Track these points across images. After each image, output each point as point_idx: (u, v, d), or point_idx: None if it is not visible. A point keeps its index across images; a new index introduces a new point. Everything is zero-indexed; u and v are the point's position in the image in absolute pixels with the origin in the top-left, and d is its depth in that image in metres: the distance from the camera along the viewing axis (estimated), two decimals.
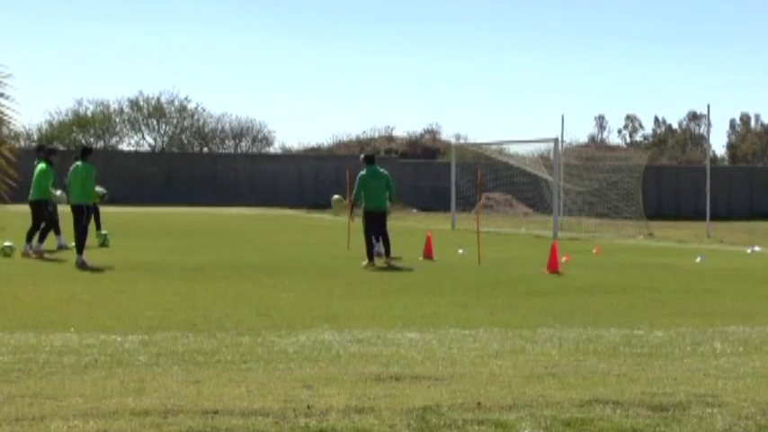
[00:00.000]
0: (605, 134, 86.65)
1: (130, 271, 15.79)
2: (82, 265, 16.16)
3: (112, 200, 18.68)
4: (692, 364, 8.27)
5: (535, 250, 22.24)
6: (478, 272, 16.92)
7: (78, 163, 17.25)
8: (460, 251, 21.19)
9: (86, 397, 6.42)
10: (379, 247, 18.36)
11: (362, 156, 19.15)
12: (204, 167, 51.89)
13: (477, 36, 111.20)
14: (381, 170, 18.51)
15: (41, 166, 18.62)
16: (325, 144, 64.63)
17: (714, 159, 72.37)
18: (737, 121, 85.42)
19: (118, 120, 61.36)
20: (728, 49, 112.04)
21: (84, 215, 16.89)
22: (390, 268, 17.34)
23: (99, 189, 18.04)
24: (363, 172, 18.27)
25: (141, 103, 61.37)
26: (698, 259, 20.37)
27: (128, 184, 48.61)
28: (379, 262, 17.84)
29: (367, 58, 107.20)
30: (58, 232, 19.94)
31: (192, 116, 62.76)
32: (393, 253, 18.20)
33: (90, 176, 17.06)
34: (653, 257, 21.29)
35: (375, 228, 18.12)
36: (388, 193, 18.27)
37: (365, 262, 17.65)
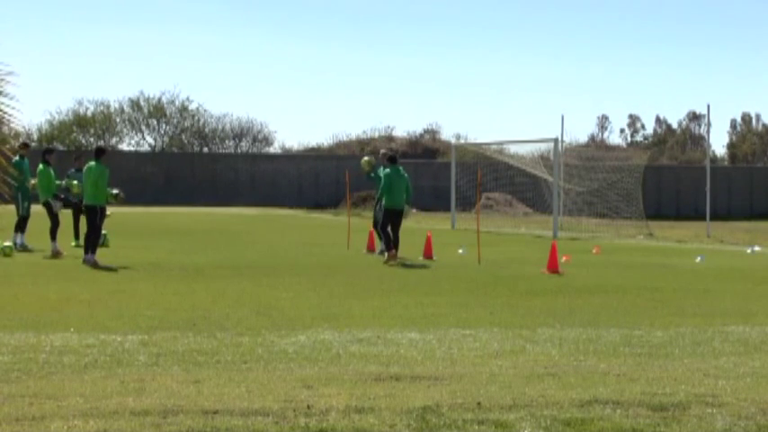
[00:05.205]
0: (606, 134, 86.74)
1: (130, 271, 15.79)
2: (93, 264, 16.37)
3: (126, 200, 18.51)
4: (692, 364, 8.27)
5: (535, 250, 22.23)
6: (478, 272, 16.91)
7: (92, 163, 17.37)
8: (460, 251, 21.18)
9: (86, 397, 6.42)
10: (381, 245, 18.66)
11: (382, 153, 19.62)
12: (204, 167, 51.83)
13: (477, 36, 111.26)
14: (403, 172, 18.95)
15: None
16: (326, 144, 64.59)
17: (714, 159, 72.35)
18: (738, 121, 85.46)
19: (118, 120, 61.33)
20: (729, 49, 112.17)
21: (98, 215, 17.15)
22: (390, 268, 17.34)
23: (115, 190, 17.67)
24: (388, 170, 18.65)
25: (142, 103, 61.35)
26: (698, 259, 20.35)
27: (128, 184, 48.26)
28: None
29: (367, 58, 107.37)
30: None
31: (193, 116, 62.75)
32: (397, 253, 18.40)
33: (103, 177, 17.21)
34: (653, 257, 21.28)
35: (392, 224, 18.54)
36: (405, 195, 18.73)
37: (386, 254, 18.15)
